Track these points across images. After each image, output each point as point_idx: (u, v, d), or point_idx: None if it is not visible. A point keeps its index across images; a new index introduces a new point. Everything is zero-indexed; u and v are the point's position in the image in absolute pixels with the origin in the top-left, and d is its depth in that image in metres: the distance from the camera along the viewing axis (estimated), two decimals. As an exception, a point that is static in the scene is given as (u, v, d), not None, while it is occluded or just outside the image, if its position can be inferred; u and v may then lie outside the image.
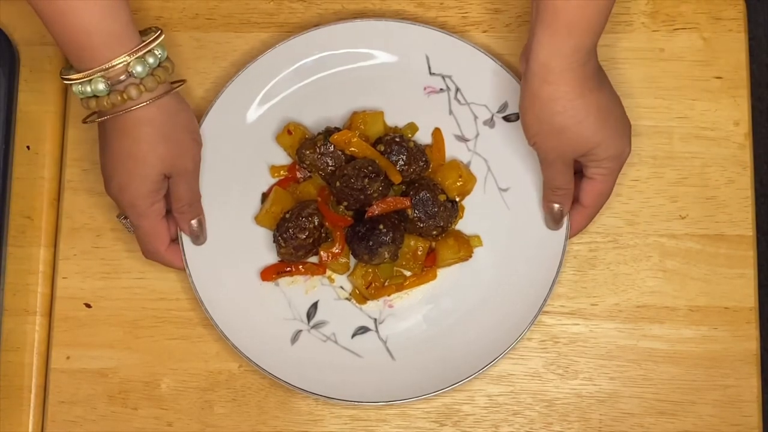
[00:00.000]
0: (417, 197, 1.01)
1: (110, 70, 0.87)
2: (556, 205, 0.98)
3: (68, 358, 0.99)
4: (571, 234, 1.00)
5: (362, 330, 1.02)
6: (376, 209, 1.01)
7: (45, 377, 0.99)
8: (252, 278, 1.02)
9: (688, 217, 1.01)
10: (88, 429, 0.99)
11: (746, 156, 1.02)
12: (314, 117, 1.05)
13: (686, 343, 0.99)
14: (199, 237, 0.99)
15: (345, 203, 1.01)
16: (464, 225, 1.03)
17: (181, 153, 0.93)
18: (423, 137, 1.05)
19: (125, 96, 0.88)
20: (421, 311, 1.02)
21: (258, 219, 1.03)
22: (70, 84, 0.89)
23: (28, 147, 1.02)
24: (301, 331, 1.01)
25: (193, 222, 0.98)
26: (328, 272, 1.03)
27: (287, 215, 1.01)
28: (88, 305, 1.00)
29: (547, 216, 1.00)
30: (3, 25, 1.04)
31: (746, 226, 1.01)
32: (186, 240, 1.00)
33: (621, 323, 1.00)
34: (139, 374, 0.99)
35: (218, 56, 1.05)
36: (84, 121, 0.93)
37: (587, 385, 0.99)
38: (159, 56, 0.90)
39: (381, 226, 0.99)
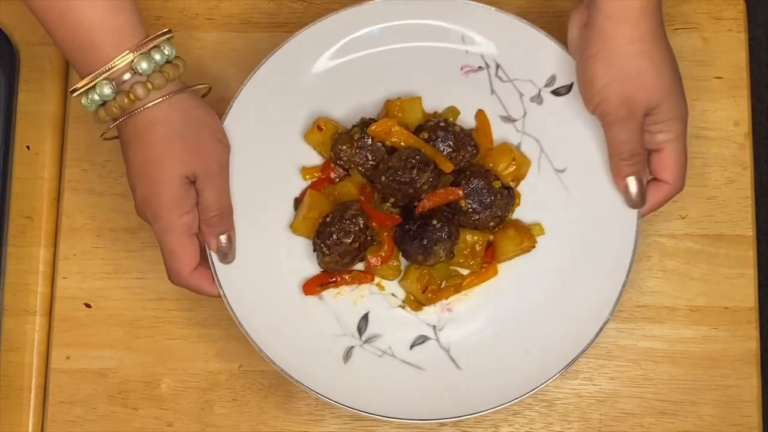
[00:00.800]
0: (470, 186, 0.93)
1: (114, 69, 0.83)
2: (632, 178, 0.90)
3: (68, 358, 0.99)
4: (644, 212, 0.92)
5: (421, 339, 0.94)
6: (427, 203, 0.92)
7: (45, 377, 0.99)
8: (293, 293, 0.94)
9: (688, 217, 1.01)
10: (88, 429, 0.99)
11: (746, 156, 1.02)
12: (343, 110, 0.97)
13: (686, 343, 0.99)
14: (227, 255, 0.90)
15: (392, 200, 0.93)
16: (522, 213, 0.96)
17: (202, 152, 0.86)
18: (465, 121, 0.98)
19: (132, 96, 0.83)
20: (484, 312, 0.94)
21: (294, 227, 0.94)
22: (78, 96, 0.85)
23: (28, 147, 1.02)
24: (353, 347, 0.94)
25: (222, 238, 0.90)
26: (377, 279, 0.95)
27: (328, 219, 0.92)
28: (88, 305, 1.00)
29: (626, 192, 0.90)
30: (3, 25, 1.04)
31: (746, 226, 1.01)
32: (217, 259, 0.92)
33: (621, 323, 1.00)
34: (139, 374, 0.99)
35: (218, 56, 1.05)
36: (103, 137, 0.89)
37: (587, 385, 0.99)
38: (167, 54, 0.85)
39: (434, 222, 0.91)
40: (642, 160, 0.89)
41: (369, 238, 0.93)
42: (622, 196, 0.91)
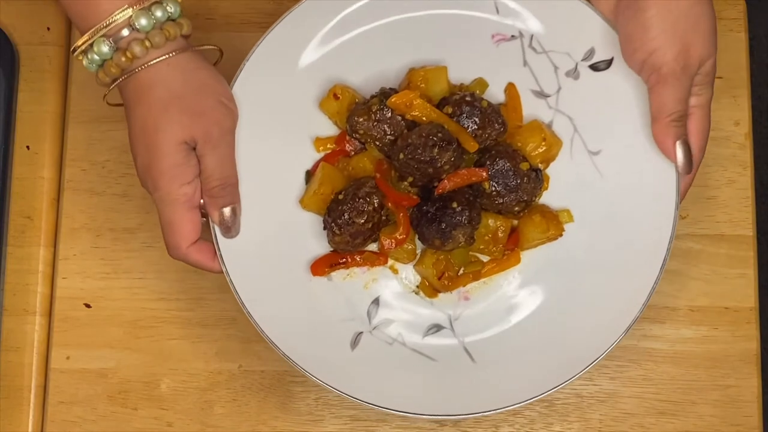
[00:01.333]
0: (495, 167, 0.87)
1: (113, 25, 0.78)
2: (680, 142, 0.83)
3: (68, 358, 0.99)
4: (682, 195, 0.87)
5: (435, 329, 0.89)
6: (447, 184, 0.86)
7: (45, 377, 0.99)
8: (300, 274, 0.89)
9: (689, 217, 1.01)
10: (88, 429, 0.98)
11: (746, 156, 1.02)
12: (362, 77, 0.91)
13: (686, 343, 0.99)
14: (230, 229, 0.85)
15: (410, 179, 0.88)
16: (550, 198, 0.91)
17: (203, 115, 0.81)
18: (493, 95, 0.92)
19: (129, 54, 0.79)
20: (504, 302, 0.90)
21: (304, 202, 0.89)
22: (79, 58, 0.81)
23: (27, 147, 1.02)
24: (361, 333, 0.89)
25: (226, 210, 0.84)
26: (391, 262, 0.90)
27: (340, 196, 0.87)
28: (87, 305, 1.00)
29: (675, 157, 0.83)
30: (3, 25, 1.04)
31: (746, 226, 1.01)
32: (227, 243, 0.86)
33: (621, 323, 0.99)
34: (138, 374, 0.99)
35: (218, 56, 1.05)
36: (105, 100, 0.84)
37: (587, 385, 0.99)
38: (171, 11, 0.79)
39: (454, 204, 0.86)
40: (686, 123, 0.83)
41: (384, 218, 0.88)
42: (668, 163, 0.84)
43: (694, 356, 0.99)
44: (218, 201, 0.84)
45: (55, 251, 1.01)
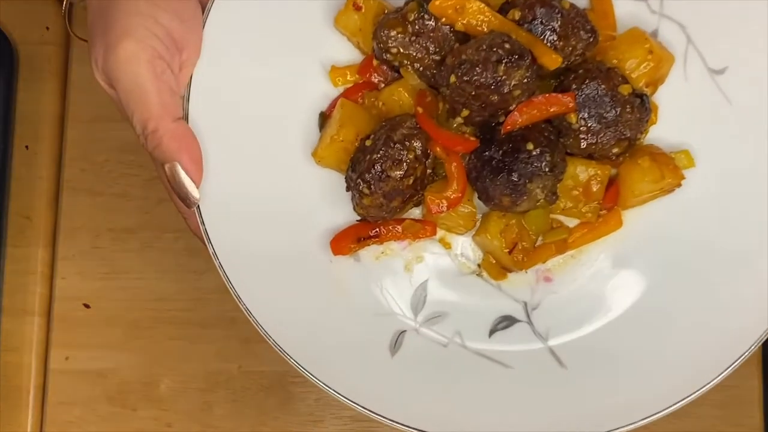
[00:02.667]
0: (583, 93, 0.62)
1: None
2: None
3: (67, 358, 0.99)
4: None
5: (505, 322, 0.65)
6: (518, 117, 0.61)
7: (44, 378, 0.99)
8: (316, 253, 0.65)
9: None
10: (87, 430, 0.98)
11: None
12: None
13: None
14: (183, 196, 0.63)
15: (464, 112, 0.63)
16: (661, 134, 0.66)
17: None
18: None
19: None
20: (600, 285, 0.65)
21: (318, 155, 0.65)
22: None
23: (26, 147, 1.01)
24: (404, 332, 0.65)
25: (166, 167, 0.62)
26: (441, 233, 0.66)
27: (368, 143, 0.63)
28: (86, 306, 0.99)
29: None
30: (2, 24, 1.04)
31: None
32: (209, 208, 0.63)
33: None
34: (138, 375, 0.98)
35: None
36: (73, 32, 0.73)
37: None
38: None
39: (529, 146, 0.61)
40: None
41: (429, 171, 0.64)
42: None
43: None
44: (156, 150, 0.63)
45: (54, 251, 1.01)
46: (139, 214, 1.00)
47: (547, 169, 0.61)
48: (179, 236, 0.98)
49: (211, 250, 0.65)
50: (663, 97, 0.68)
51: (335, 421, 0.98)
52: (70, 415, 0.98)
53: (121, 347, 0.99)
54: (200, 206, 0.64)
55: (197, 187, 0.63)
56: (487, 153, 0.63)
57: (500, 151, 0.62)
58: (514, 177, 0.61)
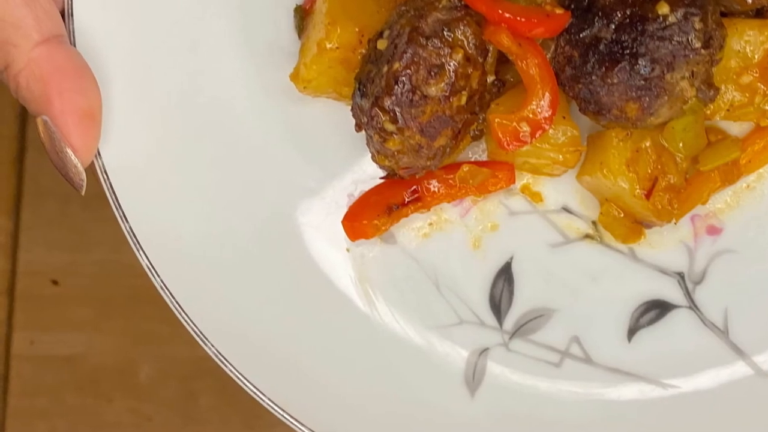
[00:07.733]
0: None
1: None
2: None
3: (32, 342, 0.96)
4: None
5: (654, 310, 0.46)
6: None
7: (6, 365, 0.96)
8: (314, 246, 0.48)
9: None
10: (55, 423, 0.96)
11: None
12: None
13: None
14: (62, 166, 0.50)
15: None
16: None
17: None
18: None
19: None
20: None
21: (302, 77, 0.46)
22: None
23: (-17, 99, 0.93)
24: (486, 349, 0.47)
25: (38, 120, 0.49)
26: (523, 178, 0.47)
27: (380, 45, 0.44)
28: (54, 282, 0.97)
29: None
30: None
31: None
32: (121, 181, 0.48)
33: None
34: (112, 361, 0.96)
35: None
36: None
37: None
38: None
39: (662, 8, 0.42)
40: None
41: (491, 79, 0.44)
42: None
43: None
44: (21, 93, 0.48)
45: (18, 220, 0.98)
46: (115, 177, 0.94)
47: (698, 44, 0.39)
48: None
49: (144, 262, 0.50)
50: None
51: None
52: (35, 407, 0.96)
53: (92, 329, 0.96)
54: (109, 180, 0.48)
55: (90, 154, 0.46)
56: (588, 32, 0.42)
57: (611, 25, 0.42)
58: (642, 65, 0.41)
